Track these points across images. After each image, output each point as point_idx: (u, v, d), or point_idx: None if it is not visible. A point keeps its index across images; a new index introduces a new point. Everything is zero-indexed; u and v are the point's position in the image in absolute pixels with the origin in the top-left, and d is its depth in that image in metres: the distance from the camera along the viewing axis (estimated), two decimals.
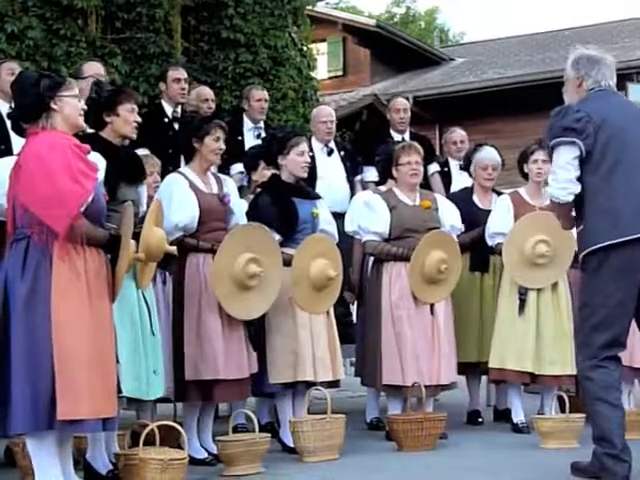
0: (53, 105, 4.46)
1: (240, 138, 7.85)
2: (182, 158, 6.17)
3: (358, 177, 8.11)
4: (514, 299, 6.75)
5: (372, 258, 6.89)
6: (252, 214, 6.11)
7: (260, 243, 5.77)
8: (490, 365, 6.80)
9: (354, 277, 7.19)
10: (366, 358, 6.72)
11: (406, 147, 6.72)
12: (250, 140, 7.81)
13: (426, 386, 6.41)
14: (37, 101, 4.45)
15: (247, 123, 8.08)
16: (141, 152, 5.96)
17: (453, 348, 6.66)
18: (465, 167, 7.60)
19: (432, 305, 6.57)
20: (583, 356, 5.04)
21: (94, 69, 7.01)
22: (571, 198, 4.99)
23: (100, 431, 4.56)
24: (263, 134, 7.96)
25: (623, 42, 24.60)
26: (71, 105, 4.51)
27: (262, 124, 8.14)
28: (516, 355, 6.69)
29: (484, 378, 7.48)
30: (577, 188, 4.96)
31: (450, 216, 6.80)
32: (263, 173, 6.67)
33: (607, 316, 4.93)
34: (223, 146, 5.91)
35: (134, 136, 5.33)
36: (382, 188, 7.13)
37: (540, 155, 6.91)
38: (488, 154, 7.40)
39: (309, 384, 6.07)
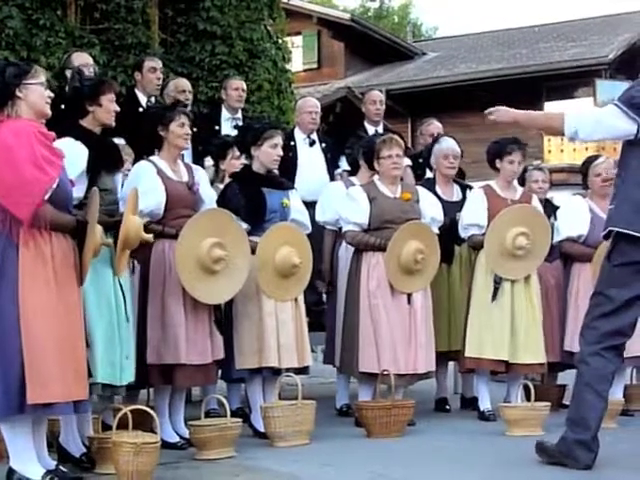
0: (18, 93, 4.47)
1: (217, 128, 7.92)
2: None
3: (339, 170, 8.17)
4: (489, 290, 6.82)
5: (344, 247, 6.98)
6: (221, 203, 6.16)
7: (225, 228, 5.78)
8: (467, 354, 6.84)
9: (325, 266, 7.26)
10: (344, 346, 6.76)
11: (387, 140, 6.74)
12: (227, 130, 7.81)
13: (402, 375, 6.49)
14: (2, 89, 4.46)
15: (225, 114, 8.16)
16: (116, 142, 6.01)
17: (431, 338, 6.70)
18: (425, 160, 7.67)
19: (409, 295, 6.62)
20: (586, 339, 5.08)
21: (82, 59, 7.12)
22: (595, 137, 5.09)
23: (72, 413, 4.63)
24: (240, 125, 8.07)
25: (592, 39, 24.80)
26: (37, 93, 4.53)
27: (240, 115, 8.22)
28: (493, 344, 6.75)
29: (451, 367, 7.60)
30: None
31: (431, 208, 6.85)
32: (232, 163, 6.70)
33: (619, 308, 4.99)
34: (189, 131, 5.94)
35: (113, 124, 5.40)
36: (353, 179, 7.23)
37: (517, 157, 6.95)
38: (448, 144, 7.48)
39: (275, 370, 6.13)
